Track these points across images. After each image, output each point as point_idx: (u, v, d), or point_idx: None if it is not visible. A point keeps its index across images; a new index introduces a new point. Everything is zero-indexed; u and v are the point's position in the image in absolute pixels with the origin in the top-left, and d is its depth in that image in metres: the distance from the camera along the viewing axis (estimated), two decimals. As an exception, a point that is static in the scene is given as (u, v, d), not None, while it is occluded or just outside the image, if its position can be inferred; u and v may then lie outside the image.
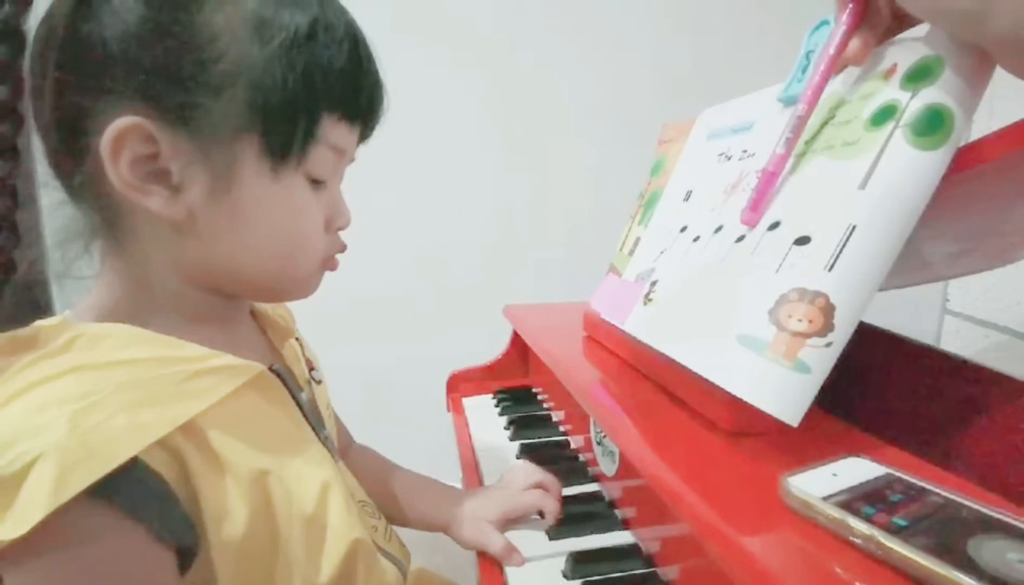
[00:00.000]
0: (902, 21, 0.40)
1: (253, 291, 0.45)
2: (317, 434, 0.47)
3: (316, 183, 0.42)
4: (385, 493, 0.62)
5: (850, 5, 0.40)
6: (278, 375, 0.44)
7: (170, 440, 0.34)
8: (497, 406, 0.89)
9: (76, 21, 0.34)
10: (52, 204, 0.39)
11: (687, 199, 0.62)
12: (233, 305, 0.46)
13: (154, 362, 0.36)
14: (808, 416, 0.37)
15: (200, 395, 0.36)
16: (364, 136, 0.46)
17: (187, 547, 0.36)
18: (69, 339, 0.35)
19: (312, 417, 0.48)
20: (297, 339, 0.55)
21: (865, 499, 0.32)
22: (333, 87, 0.39)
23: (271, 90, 0.36)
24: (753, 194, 0.45)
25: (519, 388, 0.95)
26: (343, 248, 0.47)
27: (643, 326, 0.55)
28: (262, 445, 0.39)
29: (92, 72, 0.34)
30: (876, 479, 0.35)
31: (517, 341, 0.98)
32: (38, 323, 0.37)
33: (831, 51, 0.41)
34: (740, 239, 0.46)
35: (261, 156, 0.38)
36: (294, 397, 0.46)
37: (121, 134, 0.34)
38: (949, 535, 0.29)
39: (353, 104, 0.41)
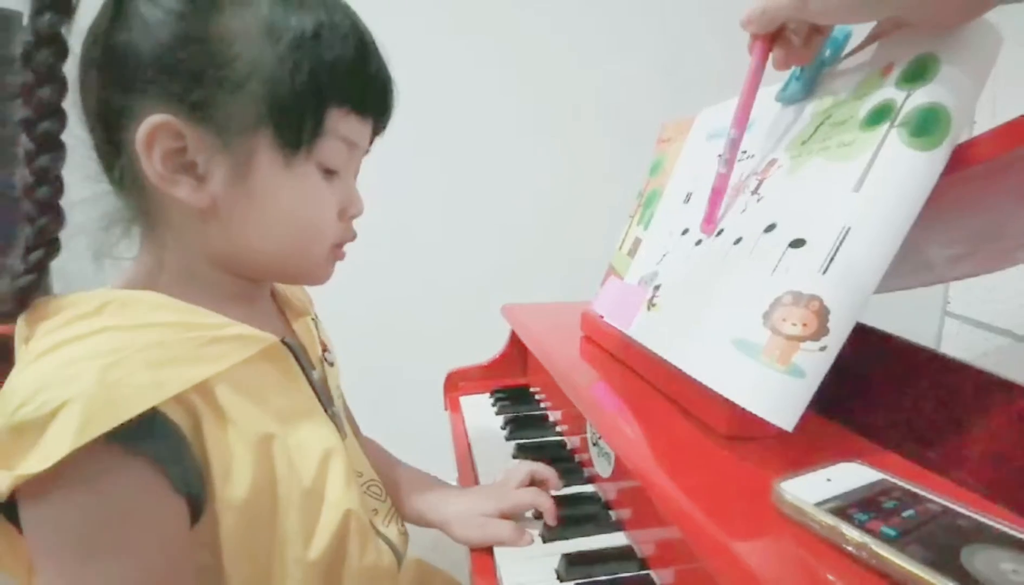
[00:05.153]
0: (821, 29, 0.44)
1: (270, 272, 0.49)
2: (325, 409, 0.49)
3: (329, 173, 0.45)
4: (384, 485, 0.62)
5: (757, 43, 0.44)
6: (290, 349, 0.47)
7: (185, 396, 0.37)
8: (494, 405, 0.89)
9: (112, 32, 0.39)
10: (96, 194, 0.42)
11: (687, 201, 0.62)
12: (255, 285, 0.49)
13: (178, 326, 0.39)
14: (804, 420, 0.36)
15: (216, 359, 0.39)
16: (378, 130, 0.48)
17: (196, 498, 0.38)
18: (102, 304, 0.38)
19: (322, 393, 0.50)
20: (313, 319, 0.58)
21: (859, 506, 0.32)
22: (339, 83, 0.42)
23: (282, 87, 0.39)
24: (707, 207, 0.51)
25: (517, 387, 0.94)
26: (354, 237, 0.50)
27: (647, 332, 0.55)
28: (269, 410, 0.42)
29: (126, 76, 0.38)
30: (870, 485, 0.34)
31: (515, 340, 0.97)
32: (75, 293, 0.40)
33: (748, 84, 0.47)
34: (737, 241, 0.46)
35: (274, 147, 0.41)
36: (304, 372, 0.48)
37: (153, 130, 0.38)
38: (943, 544, 0.29)
39: (360, 99, 0.44)
